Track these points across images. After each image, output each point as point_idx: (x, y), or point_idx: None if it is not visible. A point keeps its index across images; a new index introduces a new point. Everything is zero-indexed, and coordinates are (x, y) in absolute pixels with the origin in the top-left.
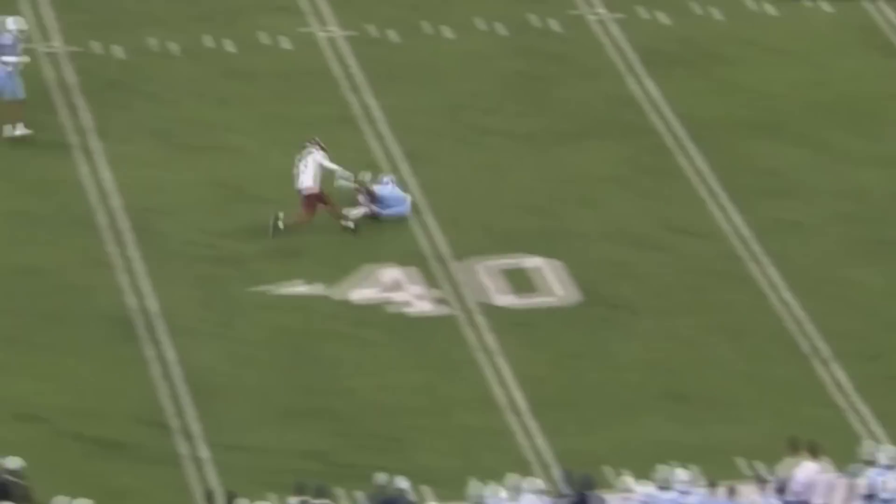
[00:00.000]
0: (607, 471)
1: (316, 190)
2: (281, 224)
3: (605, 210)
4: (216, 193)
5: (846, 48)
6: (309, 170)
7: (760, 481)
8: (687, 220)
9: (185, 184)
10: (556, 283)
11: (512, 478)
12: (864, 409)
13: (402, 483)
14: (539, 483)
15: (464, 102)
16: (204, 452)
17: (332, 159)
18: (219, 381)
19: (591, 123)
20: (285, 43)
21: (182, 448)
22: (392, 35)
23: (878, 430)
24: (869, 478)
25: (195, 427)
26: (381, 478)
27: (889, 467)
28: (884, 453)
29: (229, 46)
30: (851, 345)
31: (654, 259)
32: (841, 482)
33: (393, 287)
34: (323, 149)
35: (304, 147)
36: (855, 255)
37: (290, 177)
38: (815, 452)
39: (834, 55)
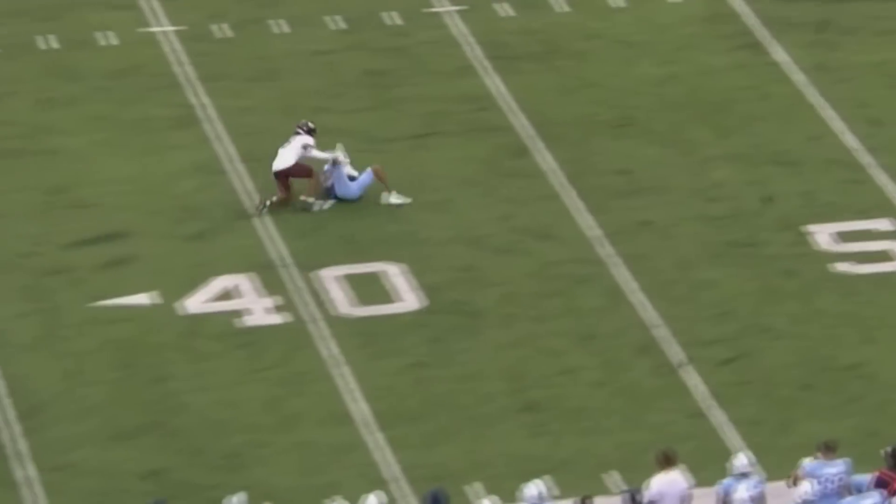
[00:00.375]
0: (459, 484)
1: (291, 165)
2: (269, 202)
3: (451, 212)
4: (41, 199)
5: (695, 40)
6: (290, 150)
7: (626, 494)
8: (537, 221)
9: (7, 189)
10: (402, 290)
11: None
12: (720, 415)
13: (242, 498)
14: (384, 497)
15: (302, 101)
16: (32, 473)
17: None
18: (47, 398)
19: (437, 121)
20: (114, 39)
21: (11, 469)
22: (225, 30)
23: (734, 436)
24: (723, 486)
25: (23, 446)
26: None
27: (744, 475)
28: (738, 461)
29: (54, 43)
30: (706, 349)
31: (502, 262)
32: (698, 493)
33: (232, 296)
34: (311, 132)
35: (295, 132)
36: (709, 256)
37: (120, 181)
38: (670, 461)
39: (683, 48)
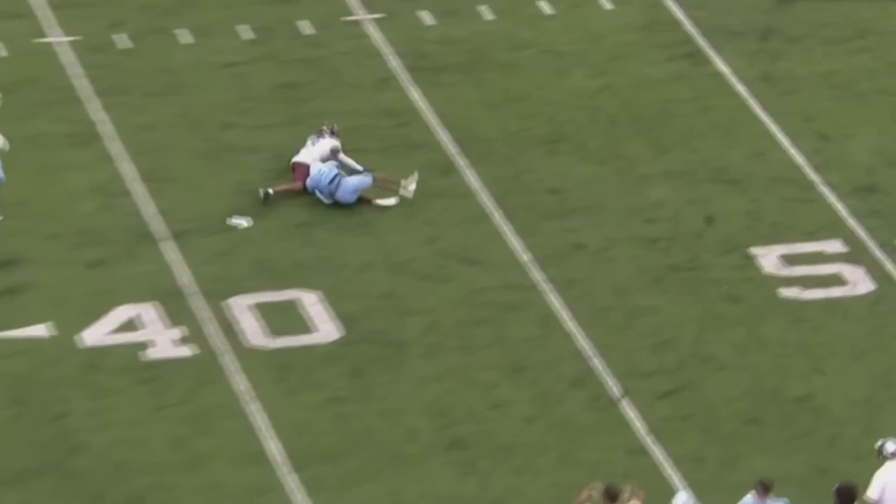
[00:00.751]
0: None
1: (308, 163)
2: (271, 191)
3: (370, 235)
4: None
5: (630, 50)
6: (315, 150)
7: None
8: (462, 245)
9: None
10: (318, 319)
11: None
12: (661, 452)
13: None
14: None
15: (209, 116)
16: None
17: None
18: None
19: (355, 138)
20: (4, 50)
21: None
22: (125, 40)
23: (676, 474)
24: None
25: None
26: None
27: None
28: (680, 500)
29: None
30: (645, 381)
31: (426, 289)
32: None
33: (135, 326)
34: (334, 133)
35: (320, 131)
36: (647, 281)
37: (13, 204)
38: (613, 497)
39: (618, 58)
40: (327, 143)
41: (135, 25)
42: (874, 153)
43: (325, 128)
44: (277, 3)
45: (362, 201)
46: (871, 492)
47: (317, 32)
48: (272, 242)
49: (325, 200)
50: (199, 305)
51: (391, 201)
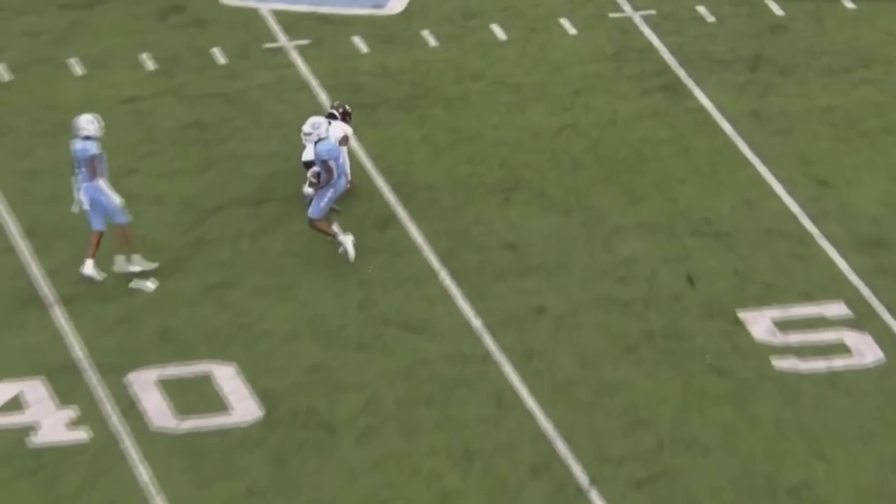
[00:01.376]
0: None
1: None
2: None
3: (294, 299)
4: None
5: (598, 82)
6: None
7: None
8: (403, 309)
9: None
10: (234, 397)
11: None
12: None
13: None
14: None
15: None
16: None
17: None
18: None
19: (275, 186)
20: None
21: None
22: (3, 72)
23: None
24: None
25: None
26: None
27: None
28: None
29: None
30: (617, 468)
31: (360, 361)
32: None
33: (19, 406)
34: (347, 116)
35: (330, 114)
36: (618, 351)
37: None
38: None
39: (583, 91)
40: (338, 129)
41: (17, 54)
42: (881, 202)
43: (334, 110)
44: (184, 28)
45: (318, 230)
46: None
47: (231, 62)
48: (180, 308)
49: (335, 173)
50: (95, 381)
51: (349, 243)
